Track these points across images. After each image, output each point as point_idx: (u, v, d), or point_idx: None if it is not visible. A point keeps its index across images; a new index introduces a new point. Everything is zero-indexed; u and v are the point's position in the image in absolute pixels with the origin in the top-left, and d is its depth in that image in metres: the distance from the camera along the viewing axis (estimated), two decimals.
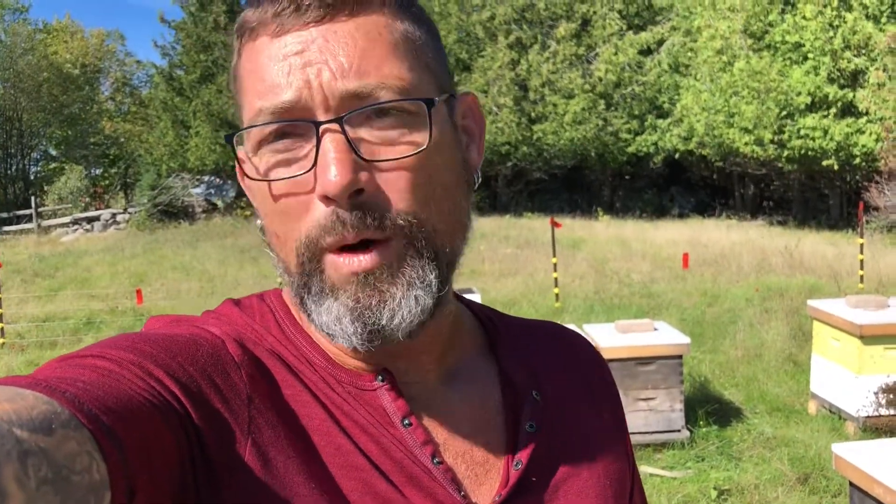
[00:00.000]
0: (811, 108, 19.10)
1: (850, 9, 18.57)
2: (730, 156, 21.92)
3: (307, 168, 0.64)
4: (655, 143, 24.05)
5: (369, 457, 0.68)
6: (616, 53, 24.00)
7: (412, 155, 0.65)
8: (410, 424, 0.69)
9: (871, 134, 17.69)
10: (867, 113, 17.52)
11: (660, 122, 24.11)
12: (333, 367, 0.71)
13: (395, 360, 0.71)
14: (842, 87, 18.62)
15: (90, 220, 24.32)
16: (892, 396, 5.34)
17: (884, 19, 18.01)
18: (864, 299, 5.63)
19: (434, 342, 0.73)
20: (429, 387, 0.74)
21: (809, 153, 19.10)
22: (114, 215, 24.61)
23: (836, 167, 18.92)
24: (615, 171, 25.83)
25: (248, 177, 0.68)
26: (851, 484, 3.18)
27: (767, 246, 13.76)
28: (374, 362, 0.71)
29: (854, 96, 18.07)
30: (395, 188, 0.64)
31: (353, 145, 0.62)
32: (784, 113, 19.42)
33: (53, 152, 37.37)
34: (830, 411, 5.69)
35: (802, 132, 18.97)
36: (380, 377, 0.70)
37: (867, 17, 18.28)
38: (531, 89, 24.24)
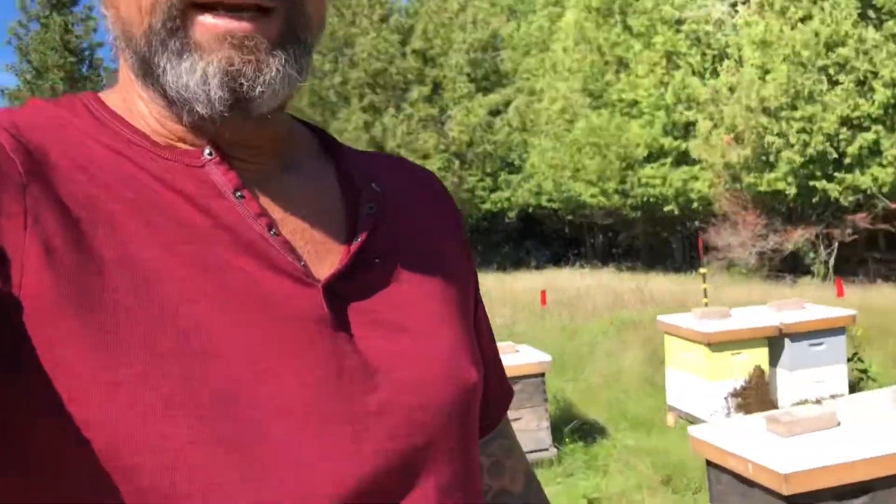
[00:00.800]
0: (649, 158, 20.39)
1: (677, 67, 20.13)
2: (578, 208, 22.96)
3: None
4: (509, 199, 24.90)
5: (195, 228, 0.62)
6: (467, 114, 24.85)
7: None
8: (243, 197, 0.64)
9: (704, 180, 19.04)
10: (700, 161, 18.87)
11: (512, 178, 25.03)
12: (157, 147, 0.65)
13: (231, 148, 0.66)
14: (676, 138, 20.02)
15: None
16: (740, 400, 5.62)
17: (707, 75, 19.61)
18: (708, 311, 5.96)
19: (273, 133, 0.69)
20: (264, 171, 0.69)
21: (651, 200, 20.32)
22: None
23: (676, 212, 20.18)
24: (473, 226, 26.45)
25: None
26: (708, 463, 3.29)
27: (619, 287, 14.39)
28: (206, 147, 0.66)
29: (687, 146, 19.45)
30: None
31: None
32: (625, 164, 20.64)
33: None
34: (687, 420, 5.91)
35: (643, 181, 20.19)
36: (208, 152, 0.65)
37: (693, 73, 19.86)
38: (388, 151, 24.62)
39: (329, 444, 0.61)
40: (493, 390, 0.85)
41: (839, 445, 2.91)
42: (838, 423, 3.12)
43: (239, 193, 0.64)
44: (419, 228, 0.77)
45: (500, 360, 0.89)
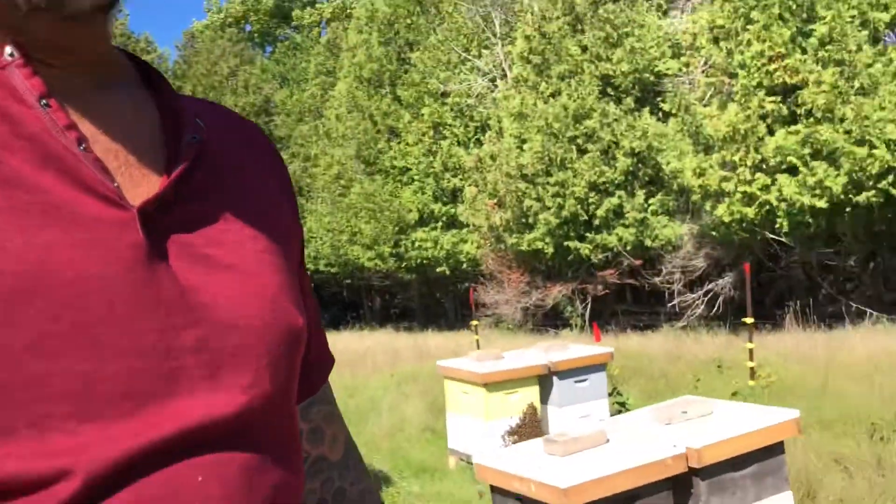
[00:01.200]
0: (421, 222, 21.16)
1: (443, 137, 21.23)
2: (356, 271, 23.18)
3: None
4: None
5: None
6: None
7: None
8: (49, 106, 0.56)
9: (472, 242, 20.04)
10: (467, 224, 19.86)
11: None
12: None
13: (39, 50, 0.59)
14: (445, 203, 20.97)
15: None
16: (516, 437, 5.89)
17: (472, 144, 20.84)
18: (483, 354, 6.24)
19: (90, 36, 0.60)
20: (75, 82, 0.60)
21: (424, 262, 21.02)
22: None
23: (447, 272, 21.01)
24: None
25: None
26: (493, 489, 3.41)
27: (397, 344, 14.64)
28: (7, 46, 0.58)
29: (455, 210, 20.43)
30: None
31: None
32: (398, 228, 21.26)
33: None
34: (468, 462, 6.09)
35: (417, 244, 20.89)
36: (9, 52, 0.56)
37: (458, 143, 21.03)
38: None
39: (140, 382, 0.55)
40: (315, 352, 0.80)
41: (610, 460, 3.15)
42: (608, 441, 3.38)
43: (45, 101, 0.56)
44: (244, 172, 0.71)
45: (321, 326, 0.85)
